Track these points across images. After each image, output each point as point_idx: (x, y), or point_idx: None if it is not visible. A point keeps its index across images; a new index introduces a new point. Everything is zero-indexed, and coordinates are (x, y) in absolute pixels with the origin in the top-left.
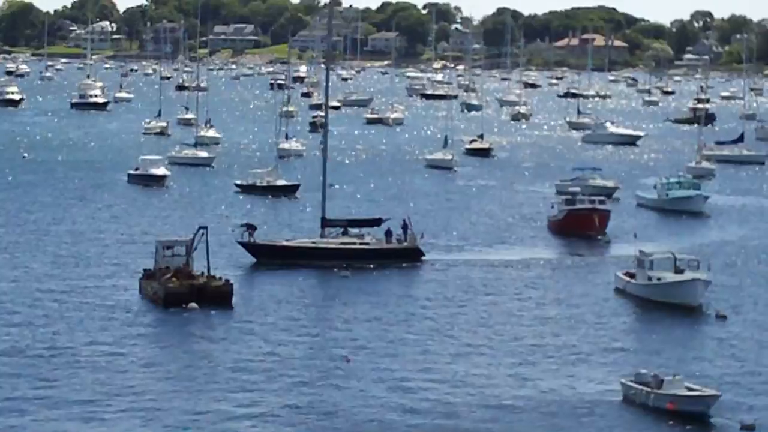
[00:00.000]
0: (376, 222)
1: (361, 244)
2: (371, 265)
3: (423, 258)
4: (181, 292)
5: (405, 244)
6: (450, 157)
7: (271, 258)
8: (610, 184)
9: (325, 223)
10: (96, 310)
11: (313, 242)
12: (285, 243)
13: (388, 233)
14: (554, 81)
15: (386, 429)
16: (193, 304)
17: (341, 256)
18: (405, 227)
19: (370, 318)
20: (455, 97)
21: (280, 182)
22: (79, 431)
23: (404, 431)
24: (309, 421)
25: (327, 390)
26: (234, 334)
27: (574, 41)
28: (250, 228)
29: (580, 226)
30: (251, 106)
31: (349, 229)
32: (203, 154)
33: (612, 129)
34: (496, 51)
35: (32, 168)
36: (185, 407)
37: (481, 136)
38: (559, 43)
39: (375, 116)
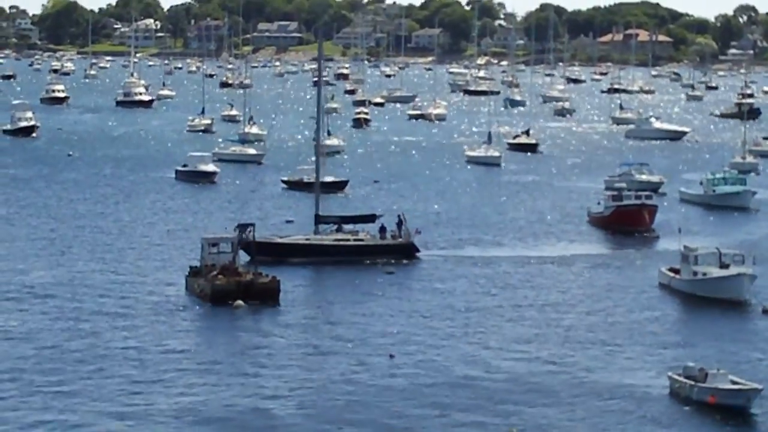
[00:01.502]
0: (370, 218)
1: (355, 240)
2: (367, 261)
3: (417, 254)
4: (228, 289)
5: (399, 240)
6: (497, 153)
7: (265, 255)
8: (655, 179)
9: (319, 219)
10: (142, 307)
11: (308, 239)
12: (279, 240)
13: (382, 229)
14: (598, 76)
15: (433, 423)
16: (240, 302)
17: (336, 253)
18: (400, 223)
19: (413, 313)
20: (498, 92)
21: (328, 178)
22: (125, 427)
23: (451, 423)
24: (354, 418)
25: (371, 387)
26: (281, 330)
27: (618, 37)
28: (243, 227)
29: (628, 221)
30: (294, 104)
31: (343, 226)
32: (252, 151)
33: (657, 124)
34: (539, 47)
35: (78, 165)
36: (232, 403)
37: (527, 132)
38: (603, 39)
39: (417, 112)
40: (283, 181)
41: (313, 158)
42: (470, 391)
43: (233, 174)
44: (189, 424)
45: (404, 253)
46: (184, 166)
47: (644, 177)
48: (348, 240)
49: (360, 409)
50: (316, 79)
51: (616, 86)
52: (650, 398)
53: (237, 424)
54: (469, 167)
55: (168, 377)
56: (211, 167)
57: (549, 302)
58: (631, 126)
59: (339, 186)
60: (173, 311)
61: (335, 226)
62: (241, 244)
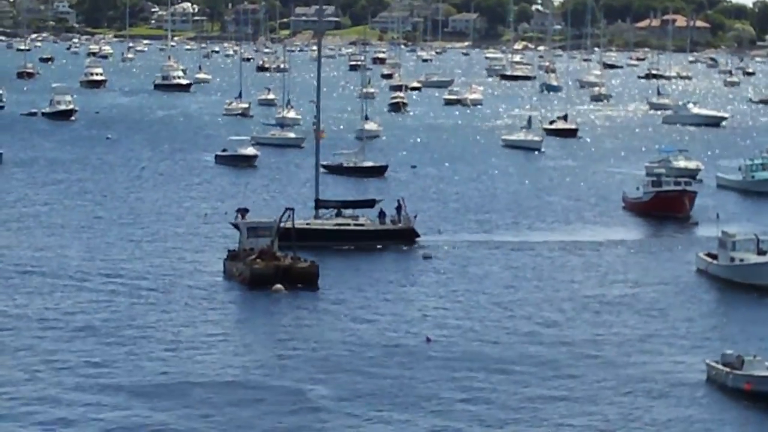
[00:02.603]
0: (369, 203)
1: (355, 225)
2: (375, 246)
3: (418, 239)
4: (267, 273)
5: (399, 225)
6: (538, 138)
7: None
8: (693, 165)
9: (319, 204)
10: (180, 291)
11: (308, 223)
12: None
13: (382, 214)
14: (635, 62)
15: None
16: (279, 286)
17: (336, 237)
18: (399, 208)
19: (449, 297)
20: (534, 77)
21: (367, 163)
22: (163, 409)
23: (486, 407)
24: (393, 401)
25: (408, 370)
26: (320, 314)
27: (656, 22)
28: (243, 211)
29: (668, 207)
30: (332, 88)
31: (343, 211)
32: (291, 134)
33: (695, 110)
34: (576, 32)
35: (116, 148)
36: (270, 385)
37: (565, 117)
38: (640, 24)
39: (453, 97)
40: (323, 166)
41: (351, 143)
42: (504, 375)
43: (273, 158)
44: (226, 405)
45: (404, 237)
46: (224, 150)
47: (682, 163)
48: (348, 224)
49: (398, 392)
50: (353, 63)
51: (653, 72)
52: (687, 384)
53: (274, 407)
54: (506, 152)
55: (205, 360)
56: (251, 151)
57: (585, 286)
58: (669, 111)
59: (379, 171)
60: (211, 295)
61: (335, 211)
62: (239, 228)
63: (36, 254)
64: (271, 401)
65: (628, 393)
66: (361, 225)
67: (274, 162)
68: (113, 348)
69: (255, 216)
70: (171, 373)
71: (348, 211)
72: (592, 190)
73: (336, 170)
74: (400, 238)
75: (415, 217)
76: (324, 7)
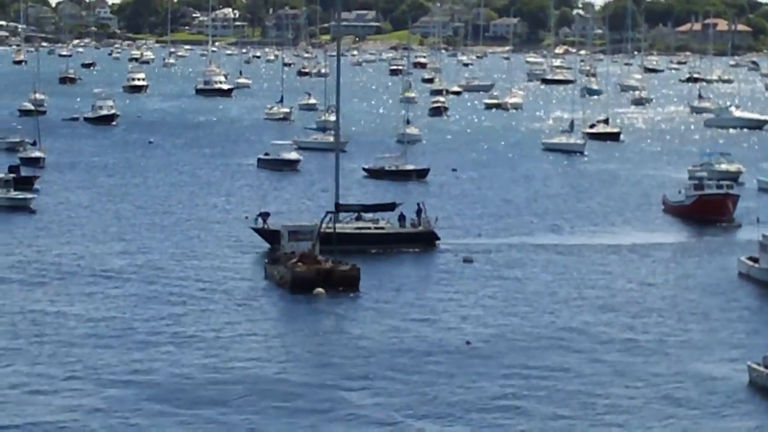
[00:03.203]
0: (389, 207)
1: (376, 228)
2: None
3: (437, 242)
4: (308, 277)
5: (419, 228)
6: (581, 141)
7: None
8: (734, 168)
9: (340, 208)
10: (220, 294)
11: (328, 227)
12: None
13: (402, 218)
14: (676, 66)
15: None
16: (320, 289)
17: (357, 241)
18: (419, 212)
19: (488, 300)
20: (574, 81)
21: (409, 167)
22: (202, 411)
23: (526, 412)
24: (434, 407)
25: (448, 376)
26: (361, 317)
27: (697, 26)
28: (264, 215)
29: (711, 211)
30: (373, 93)
31: (363, 215)
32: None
33: (737, 113)
34: (617, 36)
35: (158, 153)
36: (311, 387)
37: (606, 121)
38: (682, 28)
39: (494, 101)
40: (365, 169)
41: (392, 147)
42: (544, 379)
43: (315, 162)
44: (264, 404)
45: (425, 241)
46: (266, 154)
47: (724, 166)
48: (369, 228)
49: (437, 395)
50: (393, 67)
51: (694, 75)
52: (728, 387)
53: (312, 407)
54: (547, 155)
55: (245, 361)
56: (293, 155)
57: (625, 290)
58: (710, 115)
59: (420, 174)
60: (252, 298)
61: (355, 215)
62: (260, 233)
63: (78, 257)
64: (310, 401)
65: (668, 396)
66: (382, 228)
67: (316, 166)
68: (153, 348)
69: (296, 220)
70: (210, 374)
71: (368, 215)
72: (634, 193)
73: (378, 174)
74: (420, 241)
75: (436, 220)
76: (365, 12)
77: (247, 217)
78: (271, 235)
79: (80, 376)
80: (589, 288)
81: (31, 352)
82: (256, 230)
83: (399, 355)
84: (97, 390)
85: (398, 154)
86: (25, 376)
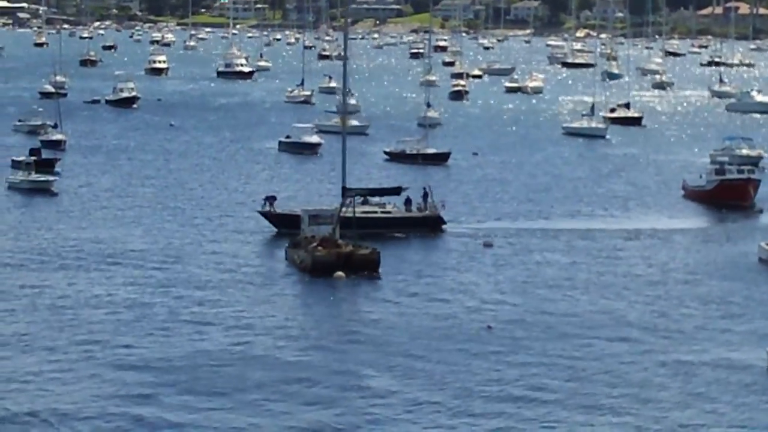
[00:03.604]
0: (396, 191)
1: (382, 212)
2: (398, 234)
3: (444, 226)
4: (329, 261)
5: (426, 212)
6: (603, 125)
7: (291, 227)
8: (755, 153)
9: (346, 192)
10: (241, 277)
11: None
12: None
13: (408, 202)
14: (697, 50)
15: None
16: (340, 273)
17: (363, 225)
18: (425, 196)
19: (509, 284)
20: (594, 65)
21: (430, 150)
22: (220, 395)
23: (545, 399)
24: (452, 389)
25: (469, 359)
26: (380, 301)
27: (718, 9)
28: (271, 199)
29: (732, 195)
30: (393, 76)
31: (369, 198)
32: (355, 122)
33: (759, 98)
34: (639, 20)
35: (179, 135)
36: (333, 370)
37: (627, 105)
38: (703, 12)
39: (514, 85)
40: (386, 153)
41: (413, 130)
42: (564, 365)
43: (336, 145)
44: (283, 387)
45: (431, 225)
46: (288, 137)
47: (745, 151)
48: (376, 212)
49: (456, 380)
50: (414, 51)
51: (715, 59)
52: (747, 373)
53: (331, 390)
54: (567, 139)
55: (265, 343)
56: (315, 138)
57: (645, 275)
58: (732, 99)
59: (442, 158)
60: (273, 282)
61: (361, 199)
62: (267, 216)
63: (98, 239)
64: (329, 384)
65: (687, 382)
66: (388, 212)
67: (338, 149)
68: (173, 331)
69: (316, 204)
70: (230, 356)
71: (375, 199)
72: (655, 178)
73: (399, 157)
74: (427, 225)
75: (443, 205)
76: None
77: (254, 201)
78: (277, 219)
79: (100, 360)
80: (609, 273)
81: (50, 336)
82: (263, 214)
83: (419, 338)
84: (117, 374)
85: (419, 138)
86: (46, 361)
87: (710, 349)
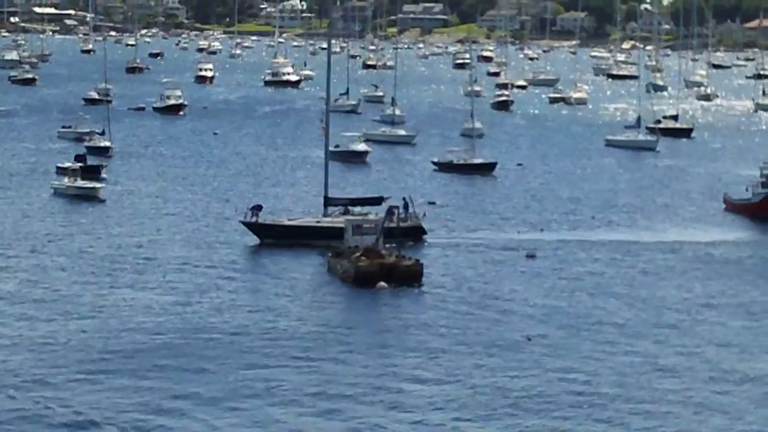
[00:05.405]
0: (377, 200)
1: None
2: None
3: (425, 236)
4: (372, 271)
5: (408, 222)
6: (654, 138)
7: (275, 237)
8: None
9: (328, 201)
10: (283, 287)
11: (317, 221)
12: (288, 222)
13: (390, 212)
14: (743, 62)
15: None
16: (383, 283)
17: (342, 235)
18: (406, 206)
19: (550, 296)
20: (638, 77)
21: (477, 160)
22: (264, 405)
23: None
24: (490, 401)
25: (507, 375)
26: (423, 312)
27: (765, 22)
28: (256, 209)
29: None
30: (440, 86)
31: (351, 208)
32: (402, 131)
33: None
34: (685, 32)
35: (224, 143)
36: (371, 383)
37: (675, 117)
38: (750, 24)
39: (558, 96)
40: (434, 163)
41: (458, 141)
42: (605, 377)
43: (383, 154)
44: (328, 398)
45: (412, 235)
46: (336, 146)
47: None
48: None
49: (494, 391)
50: (459, 61)
51: (761, 72)
52: None
53: (373, 400)
54: (612, 151)
55: (307, 356)
56: (362, 147)
57: (686, 288)
58: None
59: (488, 168)
60: (315, 292)
61: (343, 208)
62: (249, 226)
63: (143, 246)
64: (369, 393)
65: (728, 393)
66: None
67: (385, 158)
68: (216, 339)
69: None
70: (266, 365)
71: (357, 209)
72: (702, 191)
73: (446, 167)
74: (408, 235)
75: (424, 215)
76: (432, 4)
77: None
78: (260, 229)
79: (146, 370)
80: (650, 285)
81: (95, 344)
82: (245, 224)
83: (457, 348)
84: (161, 383)
85: (467, 148)
86: (91, 362)
87: (751, 362)
